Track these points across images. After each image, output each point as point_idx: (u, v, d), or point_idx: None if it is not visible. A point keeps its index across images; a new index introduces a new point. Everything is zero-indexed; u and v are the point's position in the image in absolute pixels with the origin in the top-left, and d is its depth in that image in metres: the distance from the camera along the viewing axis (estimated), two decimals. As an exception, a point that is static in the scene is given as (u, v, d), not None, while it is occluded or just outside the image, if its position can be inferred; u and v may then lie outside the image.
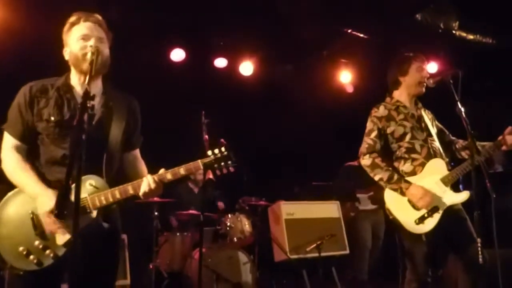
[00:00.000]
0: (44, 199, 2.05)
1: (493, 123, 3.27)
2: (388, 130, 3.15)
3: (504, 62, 5.70)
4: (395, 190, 3.03)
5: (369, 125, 3.21)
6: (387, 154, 3.17)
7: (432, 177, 3.04)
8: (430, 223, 2.94)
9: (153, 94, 5.23)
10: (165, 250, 4.85)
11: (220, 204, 5.45)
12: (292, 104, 6.37)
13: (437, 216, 2.95)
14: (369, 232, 5.35)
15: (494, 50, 5.87)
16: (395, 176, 3.03)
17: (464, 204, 3.09)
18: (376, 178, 3.10)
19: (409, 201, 3.00)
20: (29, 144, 2.21)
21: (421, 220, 2.94)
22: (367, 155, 3.12)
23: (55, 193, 2.06)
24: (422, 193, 2.95)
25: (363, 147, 3.17)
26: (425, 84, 3.19)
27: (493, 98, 5.85)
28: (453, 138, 3.34)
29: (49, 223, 2.04)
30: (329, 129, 6.68)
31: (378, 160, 3.09)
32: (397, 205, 3.02)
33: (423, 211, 2.96)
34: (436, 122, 3.37)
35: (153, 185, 2.11)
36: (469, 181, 3.02)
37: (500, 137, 3.02)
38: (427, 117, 3.28)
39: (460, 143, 3.29)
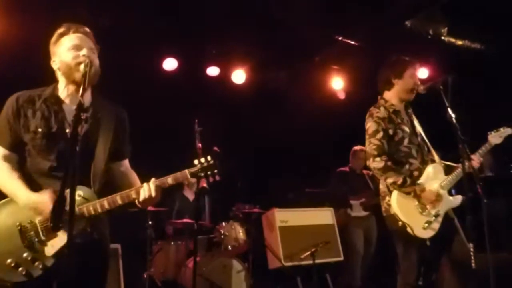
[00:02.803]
0: (37, 201, 2.05)
1: (481, 127, 3.32)
2: (390, 132, 3.12)
3: (493, 67, 5.78)
4: (408, 193, 3.01)
5: (372, 125, 3.13)
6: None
7: (434, 182, 3.07)
8: (436, 228, 2.97)
9: (146, 103, 5.24)
10: (159, 259, 4.83)
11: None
12: (284, 111, 6.39)
13: (440, 220, 2.99)
14: (362, 239, 5.36)
15: (484, 55, 5.95)
16: (408, 180, 3.02)
17: (456, 208, 3.14)
18: (389, 181, 3.03)
19: (417, 206, 3.00)
20: (19, 153, 2.21)
21: (429, 224, 2.96)
22: (378, 158, 3.05)
23: (48, 193, 2.06)
24: (436, 196, 2.99)
25: (371, 148, 3.08)
26: (415, 91, 3.21)
27: (482, 103, 5.91)
28: None
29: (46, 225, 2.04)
30: (321, 135, 6.71)
31: (390, 163, 3.04)
32: (405, 211, 3.00)
33: (429, 216, 2.98)
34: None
35: (153, 192, 2.12)
36: (461, 185, 3.07)
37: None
38: (416, 121, 3.32)
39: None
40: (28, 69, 4.39)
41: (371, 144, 3.10)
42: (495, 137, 3.21)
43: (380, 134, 3.09)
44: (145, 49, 5.60)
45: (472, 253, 2.61)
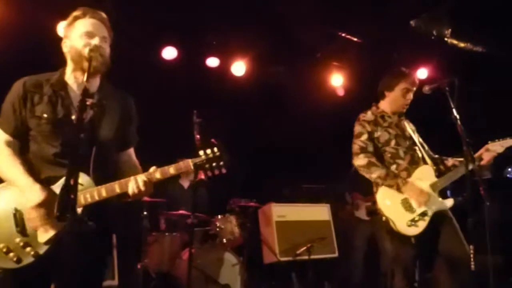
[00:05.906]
0: (31, 194, 2.00)
1: (482, 128, 3.32)
2: (375, 135, 3.24)
3: (495, 68, 5.77)
4: (391, 186, 3.07)
5: (357, 128, 3.28)
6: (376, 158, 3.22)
7: (422, 182, 3.11)
8: (421, 226, 3.01)
9: (144, 92, 5.14)
10: (154, 250, 4.80)
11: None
12: (283, 106, 6.36)
13: (427, 220, 3.02)
14: (365, 240, 5.29)
15: (485, 56, 5.94)
16: (392, 173, 3.10)
17: (456, 211, 3.13)
18: (374, 176, 3.12)
19: (403, 202, 3.04)
20: (21, 140, 2.17)
21: (413, 222, 3.00)
22: (361, 155, 3.17)
23: (43, 188, 2.01)
24: (419, 190, 3.02)
25: (355, 148, 3.23)
26: (406, 107, 3.32)
27: (484, 103, 5.91)
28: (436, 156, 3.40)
29: (33, 218, 1.99)
30: (320, 131, 6.68)
31: (373, 159, 3.14)
32: (390, 206, 3.07)
33: (415, 214, 3.01)
34: (418, 135, 3.43)
35: (142, 186, 2.05)
36: (457, 188, 3.07)
37: (478, 153, 3.10)
38: (409, 127, 3.38)
39: (449, 160, 3.33)
40: (30, 54, 4.34)
41: (355, 145, 3.25)
42: (495, 145, 3.12)
43: (365, 136, 3.23)
44: (144, 38, 5.53)
45: (472, 255, 2.62)
